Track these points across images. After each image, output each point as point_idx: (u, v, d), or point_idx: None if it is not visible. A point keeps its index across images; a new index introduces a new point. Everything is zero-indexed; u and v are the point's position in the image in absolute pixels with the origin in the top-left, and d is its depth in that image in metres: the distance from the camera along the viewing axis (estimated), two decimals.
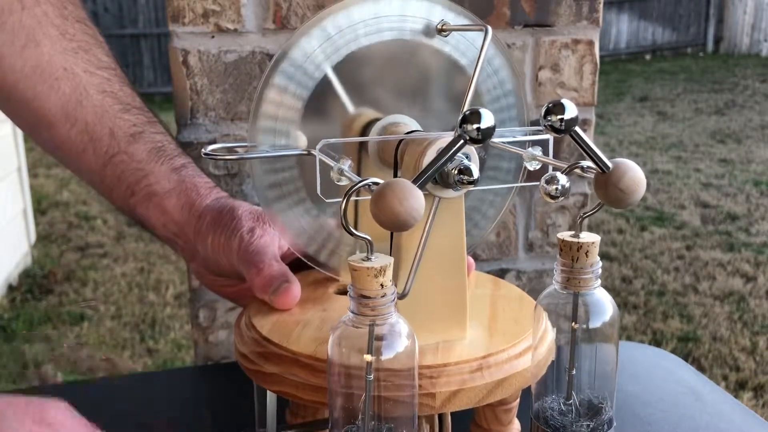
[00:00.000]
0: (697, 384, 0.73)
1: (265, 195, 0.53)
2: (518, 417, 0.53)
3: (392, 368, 0.41)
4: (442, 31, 0.52)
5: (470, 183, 0.43)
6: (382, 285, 0.39)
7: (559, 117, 0.38)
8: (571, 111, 0.38)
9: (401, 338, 0.40)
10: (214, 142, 0.82)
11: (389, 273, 0.39)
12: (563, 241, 0.44)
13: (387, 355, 0.40)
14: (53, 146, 0.64)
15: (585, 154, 0.41)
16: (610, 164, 0.41)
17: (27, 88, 0.61)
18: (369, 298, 0.39)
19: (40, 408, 0.44)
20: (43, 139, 0.64)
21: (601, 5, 0.88)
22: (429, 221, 0.45)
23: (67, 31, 0.62)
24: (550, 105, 0.39)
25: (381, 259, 0.39)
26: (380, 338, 0.40)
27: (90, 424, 0.45)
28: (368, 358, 0.40)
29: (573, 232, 0.44)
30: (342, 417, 0.42)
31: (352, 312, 0.40)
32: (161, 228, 0.63)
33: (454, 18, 0.53)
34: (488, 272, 0.77)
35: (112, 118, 0.63)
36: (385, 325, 0.40)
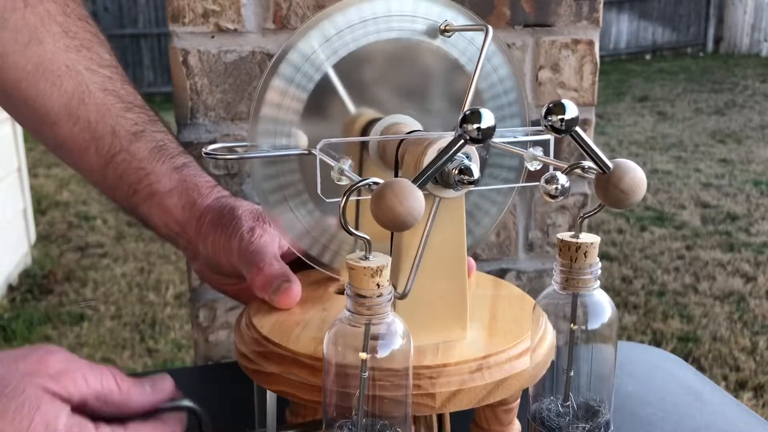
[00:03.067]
0: (697, 384, 0.73)
1: (265, 195, 0.53)
2: (519, 418, 0.53)
3: (387, 367, 0.40)
4: (445, 31, 0.52)
5: (471, 183, 0.43)
6: (378, 285, 0.39)
7: (560, 117, 0.38)
8: (571, 111, 0.38)
9: (397, 338, 0.40)
10: (214, 142, 0.82)
11: (386, 273, 0.39)
12: (562, 241, 0.44)
13: (382, 354, 0.40)
14: (55, 144, 0.64)
15: (585, 155, 0.41)
16: (610, 164, 0.41)
17: (30, 86, 0.61)
18: (365, 297, 0.39)
19: (39, 361, 0.42)
20: (46, 137, 0.64)
21: (601, 5, 0.88)
22: (429, 221, 0.45)
23: (70, 29, 0.62)
24: (551, 105, 0.38)
25: (378, 259, 0.39)
26: (376, 338, 0.40)
27: (90, 363, 0.44)
28: (363, 356, 0.40)
29: (572, 233, 0.44)
30: (336, 415, 0.42)
31: (349, 311, 0.40)
32: (163, 227, 0.63)
33: (454, 17, 0.53)
34: (488, 272, 0.77)
35: (114, 117, 0.63)
36: (381, 325, 0.40)
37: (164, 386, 0.47)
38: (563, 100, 0.38)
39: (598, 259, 0.44)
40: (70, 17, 0.63)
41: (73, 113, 0.62)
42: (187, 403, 0.48)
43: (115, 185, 0.63)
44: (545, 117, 0.39)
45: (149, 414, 0.46)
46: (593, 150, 0.41)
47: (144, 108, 0.65)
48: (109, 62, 0.64)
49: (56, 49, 0.61)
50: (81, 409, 0.43)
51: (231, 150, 0.61)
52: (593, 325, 0.45)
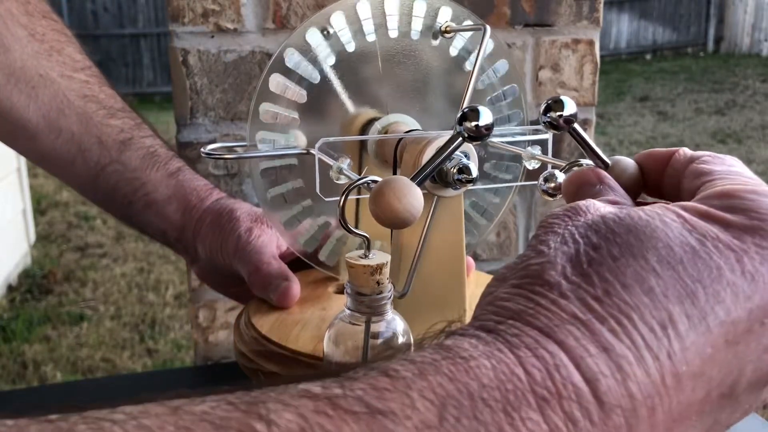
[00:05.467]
0: None
1: (264, 194, 0.53)
2: None
3: None
4: (445, 32, 0.52)
5: (469, 182, 0.43)
6: (378, 283, 0.39)
7: (558, 113, 0.38)
8: (570, 107, 0.38)
9: (397, 336, 0.40)
10: (214, 142, 0.82)
11: (386, 271, 0.39)
12: None
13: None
14: (38, 158, 0.62)
15: (584, 151, 0.41)
16: (609, 161, 0.41)
17: (2, 98, 0.57)
18: (365, 295, 0.39)
19: None
20: (27, 150, 0.62)
21: (601, 5, 0.88)
22: (428, 220, 0.45)
23: (36, 31, 0.59)
24: (549, 102, 0.38)
25: (378, 257, 0.39)
26: (376, 336, 0.40)
27: None
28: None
29: None
30: None
31: (349, 309, 0.40)
32: (161, 235, 0.62)
33: (452, 17, 0.53)
34: (489, 272, 0.77)
35: (99, 126, 0.60)
36: (381, 323, 0.40)
37: None
38: (562, 97, 0.38)
39: None
40: (34, 16, 0.59)
41: (53, 125, 0.59)
42: None
43: (109, 196, 0.61)
44: (544, 114, 0.39)
45: None
46: (591, 147, 0.41)
47: (126, 111, 0.62)
48: (83, 64, 0.61)
49: (25, 56, 0.58)
50: None
51: (230, 150, 0.60)
52: None
